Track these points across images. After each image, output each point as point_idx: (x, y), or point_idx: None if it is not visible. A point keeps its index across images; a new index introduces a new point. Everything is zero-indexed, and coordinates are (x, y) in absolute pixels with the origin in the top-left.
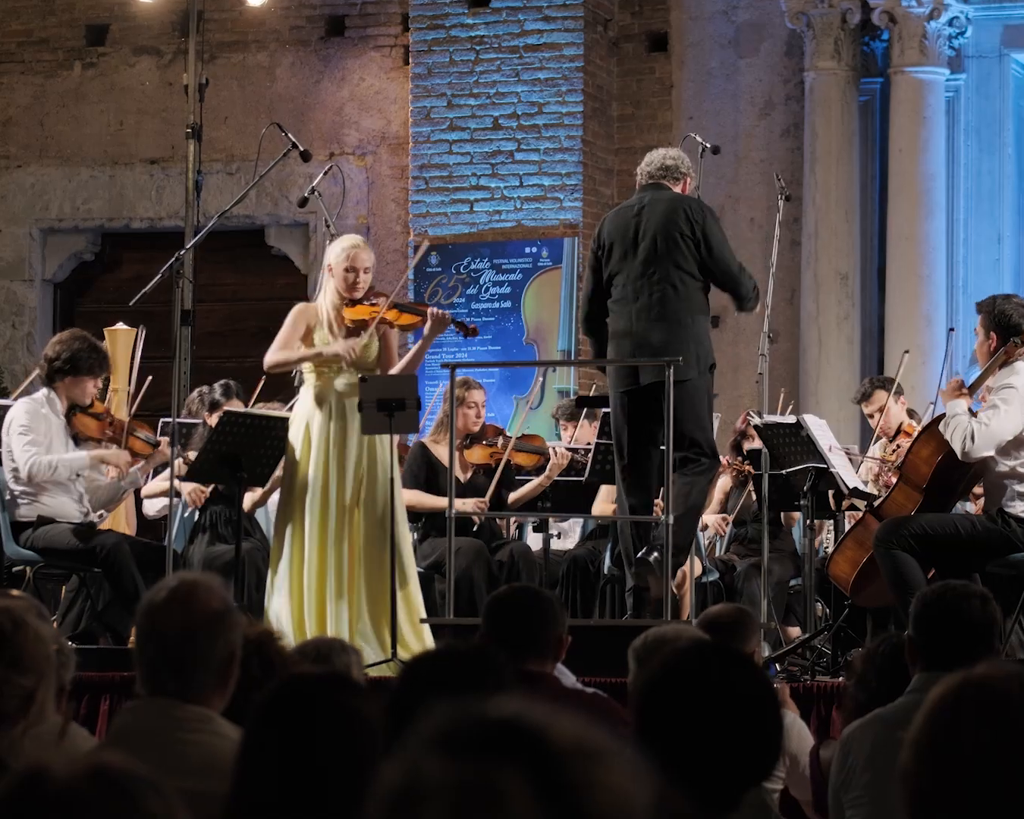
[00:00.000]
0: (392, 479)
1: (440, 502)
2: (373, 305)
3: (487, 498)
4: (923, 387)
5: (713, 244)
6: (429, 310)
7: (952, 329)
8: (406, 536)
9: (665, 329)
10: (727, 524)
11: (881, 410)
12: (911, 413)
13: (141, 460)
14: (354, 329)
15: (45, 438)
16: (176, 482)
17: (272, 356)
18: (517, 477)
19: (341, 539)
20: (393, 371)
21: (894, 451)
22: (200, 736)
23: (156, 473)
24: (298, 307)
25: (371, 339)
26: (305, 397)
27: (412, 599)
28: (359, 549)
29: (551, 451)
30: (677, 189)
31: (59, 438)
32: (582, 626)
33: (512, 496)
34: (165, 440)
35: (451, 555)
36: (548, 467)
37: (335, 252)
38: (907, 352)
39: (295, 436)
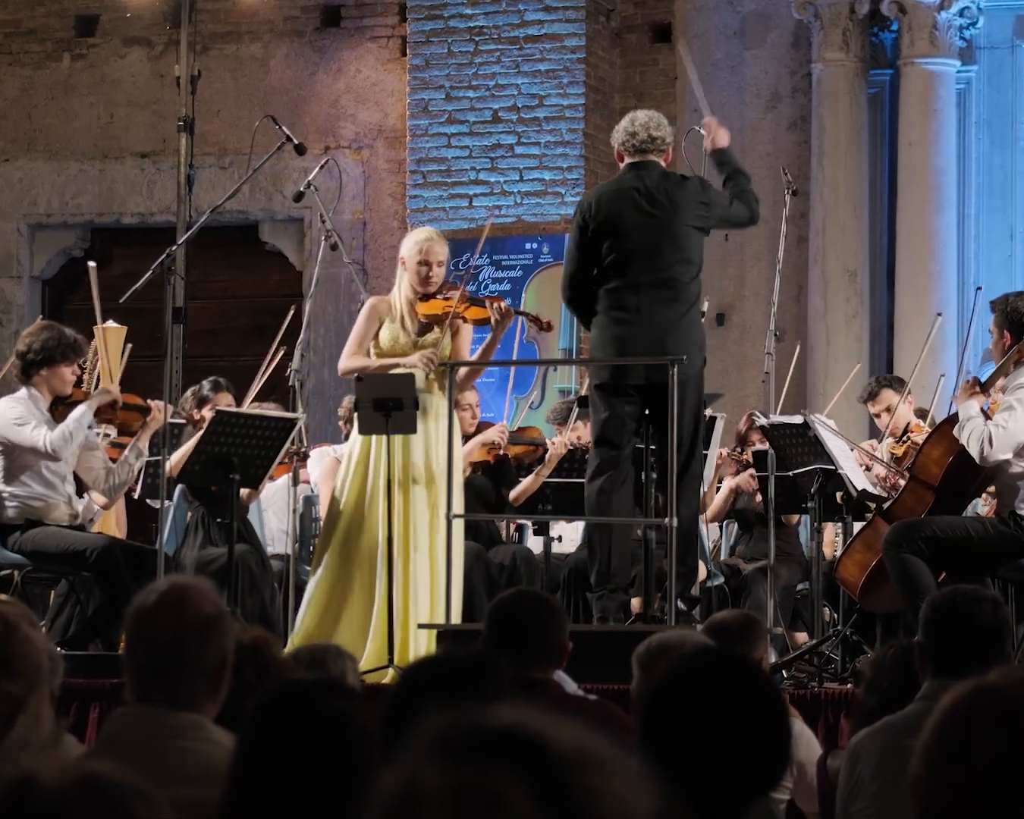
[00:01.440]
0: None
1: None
2: (447, 299)
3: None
4: (932, 385)
5: (727, 219)
6: (493, 303)
7: (940, 314)
8: (458, 540)
9: (671, 327)
10: (754, 479)
11: (888, 410)
12: (922, 413)
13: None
14: (427, 323)
15: (44, 417)
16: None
17: (346, 362)
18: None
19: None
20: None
21: (904, 443)
22: (192, 743)
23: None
24: (371, 302)
25: (444, 335)
26: None
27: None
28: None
29: (549, 442)
30: (662, 161)
31: None
32: (584, 631)
33: (513, 493)
34: (156, 402)
35: (449, 558)
36: (547, 457)
37: (408, 245)
38: (940, 314)
39: (356, 435)
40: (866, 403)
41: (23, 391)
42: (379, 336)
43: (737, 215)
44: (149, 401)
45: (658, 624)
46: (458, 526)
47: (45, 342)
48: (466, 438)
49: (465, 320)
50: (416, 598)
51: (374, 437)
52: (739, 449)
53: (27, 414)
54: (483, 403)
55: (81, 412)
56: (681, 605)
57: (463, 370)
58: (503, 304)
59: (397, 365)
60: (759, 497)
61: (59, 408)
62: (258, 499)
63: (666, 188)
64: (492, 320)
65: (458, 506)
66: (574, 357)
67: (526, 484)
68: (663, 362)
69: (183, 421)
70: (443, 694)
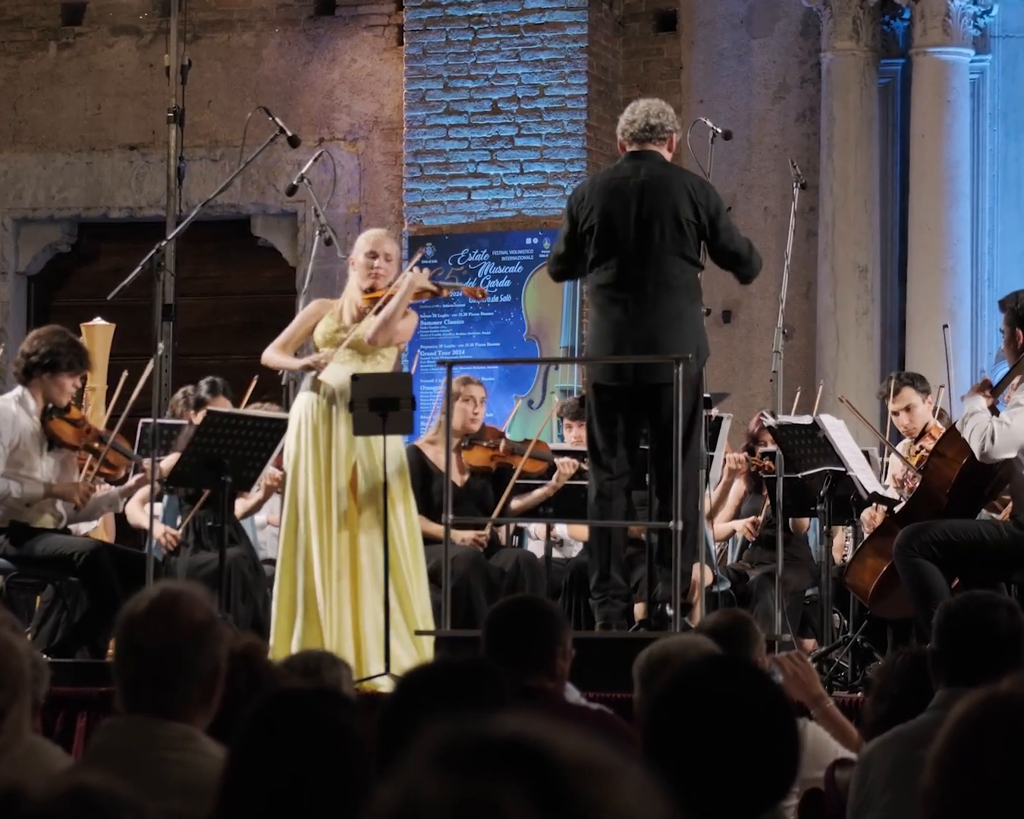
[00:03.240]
0: (386, 479)
1: (435, 529)
2: (391, 288)
3: (495, 513)
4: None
5: (721, 231)
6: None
7: (946, 326)
8: (415, 540)
9: (666, 324)
10: (756, 528)
11: (908, 409)
12: (940, 413)
13: (112, 485)
14: (363, 313)
15: (9, 447)
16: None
17: (269, 353)
18: (520, 482)
19: (341, 535)
20: (369, 331)
21: (917, 452)
22: (182, 755)
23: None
24: (316, 302)
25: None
26: (301, 392)
27: (411, 611)
28: (359, 550)
29: (559, 463)
30: (664, 149)
31: (30, 440)
32: (586, 638)
33: (515, 504)
34: (145, 462)
35: (447, 563)
36: (555, 476)
37: (359, 243)
38: (946, 325)
39: (291, 435)
40: (884, 400)
41: (17, 390)
42: (315, 331)
43: (737, 243)
44: (144, 463)
45: (662, 631)
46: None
47: (54, 348)
48: (468, 439)
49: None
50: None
51: (303, 435)
52: (748, 450)
53: None
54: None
55: (35, 494)
56: (669, 611)
57: (374, 326)
58: (418, 270)
59: (305, 366)
60: (767, 500)
61: (52, 418)
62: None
63: (662, 180)
64: (404, 282)
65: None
66: (575, 355)
67: (530, 499)
68: (667, 360)
69: (179, 422)
70: (440, 703)
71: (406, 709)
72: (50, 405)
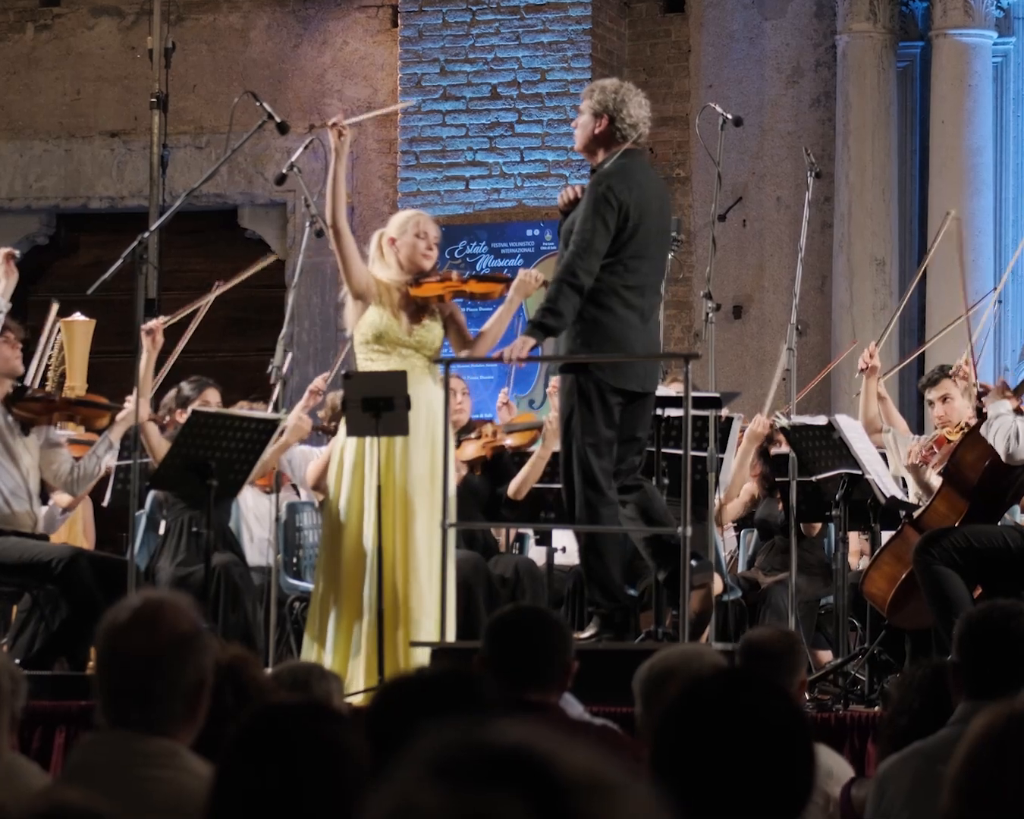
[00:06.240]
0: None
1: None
2: (443, 282)
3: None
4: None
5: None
6: (520, 272)
7: (1000, 301)
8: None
9: (656, 332)
10: (766, 480)
11: (943, 399)
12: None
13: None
14: (419, 309)
15: None
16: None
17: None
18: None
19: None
20: (483, 341)
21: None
22: (166, 772)
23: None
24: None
25: (433, 322)
26: None
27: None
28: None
29: (545, 421)
30: None
31: (4, 429)
32: (589, 649)
33: (513, 484)
34: (130, 397)
35: (446, 570)
36: (543, 436)
37: (398, 223)
38: (1001, 301)
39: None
40: (924, 389)
41: None
42: (366, 320)
43: None
44: (127, 399)
45: (670, 641)
46: (450, 536)
47: None
48: (457, 436)
49: (472, 296)
50: (420, 616)
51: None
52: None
53: None
54: (481, 402)
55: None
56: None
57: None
58: (528, 271)
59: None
60: (780, 503)
61: (16, 404)
62: (237, 508)
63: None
64: (511, 289)
65: (450, 515)
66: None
67: (525, 472)
68: (677, 358)
69: (162, 424)
70: (420, 715)
71: (387, 720)
72: (9, 391)
